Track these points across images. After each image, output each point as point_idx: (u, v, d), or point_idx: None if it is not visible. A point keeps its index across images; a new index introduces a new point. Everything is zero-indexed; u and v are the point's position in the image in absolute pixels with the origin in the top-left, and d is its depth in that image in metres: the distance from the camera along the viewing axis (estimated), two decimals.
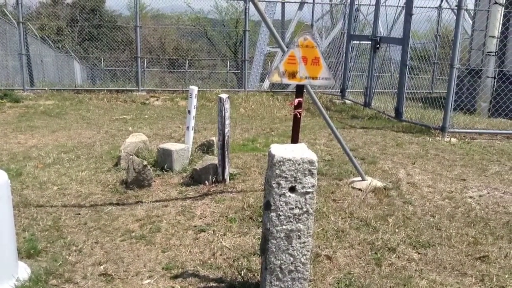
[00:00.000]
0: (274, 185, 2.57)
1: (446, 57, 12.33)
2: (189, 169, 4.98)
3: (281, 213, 2.61)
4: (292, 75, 3.17)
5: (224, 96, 4.38)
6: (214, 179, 4.66)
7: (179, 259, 3.34)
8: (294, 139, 3.46)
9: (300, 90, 3.35)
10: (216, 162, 4.70)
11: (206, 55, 28.90)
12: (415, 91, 11.22)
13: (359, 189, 4.59)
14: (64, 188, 4.63)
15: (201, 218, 4.01)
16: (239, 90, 13.26)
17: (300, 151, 2.63)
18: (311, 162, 2.58)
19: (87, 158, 5.64)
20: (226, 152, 4.56)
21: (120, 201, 4.38)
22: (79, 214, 4.08)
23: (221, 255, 3.41)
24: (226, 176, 4.66)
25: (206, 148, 5.45)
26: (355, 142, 6.48)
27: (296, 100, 3.24)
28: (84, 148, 6.20)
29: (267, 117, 9.05)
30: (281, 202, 2.60)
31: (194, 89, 4.93)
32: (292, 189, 2.60)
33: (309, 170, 2.59)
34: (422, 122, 7.83)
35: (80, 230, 3.78)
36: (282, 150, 2.61)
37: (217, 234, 3.72)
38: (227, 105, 4.41)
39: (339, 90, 11.32)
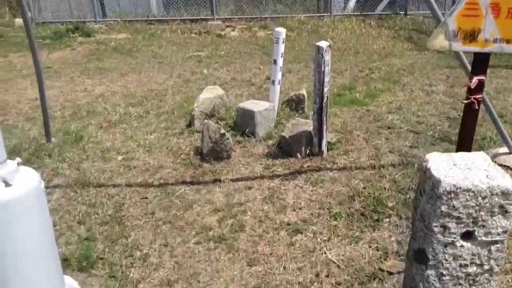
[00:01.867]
0: (436, 229, 1.53)
1: None
2: (275, 135, 4.01)
3: (445, 272, 1.59)
4: (471, 35, 1.92)
5: (323, 44, 3.24)
6: (308, 151, 3.67)
7: (271, 281, 2.48)
8: (466, 144, 2.20)
9: (482, 61, 2.02)
10: (310, 128, 3.67)
11: None
12: None
13: (507, 167, 3.38)
14: (130, 158, 3.89)
15: (295, 210, 3.09)
16: (323, 14, 11.71)
17: (481, 171, 1.53)
18: (505, 194, 1.48)
19: (157, 114, 4.85)
20: (324, 118, 3.50)
21: (195, 178, 3.56)
22: (146, 198, 3.32)
23: (328, 276, 2.50)
24: (323, 148, 3.64)
25: (294, 104, 4.41)
26: None
27: (475, 79, 2.00)
28: (154, 98, 5.42)
29: (362, 50, 7.66)
30: (447, 255, 1.56)
31: (281, 32, 3.80)
32: (468, 236, 1.55)
33: (501, 207, 1.50)
34: None
35: (146, 224, 3.03)
36: (450, 170, 1.53)
37: (319, 239, 2.80)
38: (327, 57, 3.28)
39: None
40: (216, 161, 3.74)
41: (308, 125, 3.76)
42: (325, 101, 3.43)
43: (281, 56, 3.92)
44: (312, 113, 3.52)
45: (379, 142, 3.92)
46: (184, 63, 7.30)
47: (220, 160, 3.74)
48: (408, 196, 3.11)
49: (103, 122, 4.64)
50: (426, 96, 4.96)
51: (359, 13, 11.63)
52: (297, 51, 7.85)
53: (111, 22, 11.50)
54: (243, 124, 4.04)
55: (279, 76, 4.01)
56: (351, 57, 7.13)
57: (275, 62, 3.94)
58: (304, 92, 4.40)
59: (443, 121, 4.30)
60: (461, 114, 4.38)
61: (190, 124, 4.43)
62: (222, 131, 3.63)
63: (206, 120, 3.78)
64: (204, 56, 7.78)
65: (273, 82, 4.03)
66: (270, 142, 3.97)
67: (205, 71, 6.65)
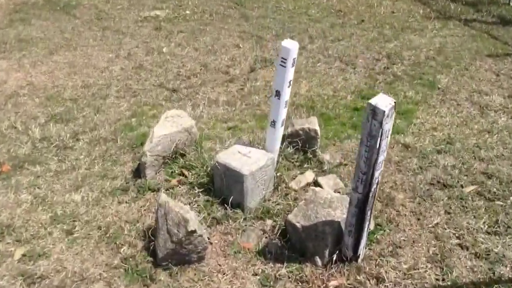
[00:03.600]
0: None
1: None
2: (276, 207, 2.52)
3: None
4: None
5: (385, 106, 1.68)
6: (334, 254, 2.22)
7: None
8: None
9: None
10: (336, 212, 2.22)
11: None
12: None
13: None
14: (36, 255, 2.34)
15: None
16: None
17: None
18: None
19: (90, 142, 3.23)
20: (369, 212, 2.03)
21: None
22: None
23: None
24: (361, 251, 2.19)
25: (301, 143, 2.87)
26: None
27: None
28: (89, 105, 3.74)
29: (367, 16, 5.97)
30: None
31: (291, 49, 2.18)
32: None
33: None
34: None
35: None
36: None
37: None
38: (388, 125, 1.74)
39: None
40: (180, 266, 2.26)
41: (333, 206, 2.28)
42: (373, 189, 1.94)
43: (289, 86, 2.33)
44: (351, 206, 2.03)
45: (438, 220, 2.51)
46: (137, 30, 5.49)
47: (186, 265, 2.26)
48: None
49: (4, 163, 3.00)
50: (481, 117, 3.50)
51: None
52: (283, 15, 6.10)
53: None
54: (225, 188, 2.51)
55: (283, 114, 2.43)
56: (356, 29, 5.48)
57: (277, 94, 2.35)
58: (316, 126, 2.84)
59: None
60: None
61: (138, 172, 2.86)
62: (191, 227, 2.11)
63: (163, 197, 2.23)
64: (164, 17, 5.94)
65: (273, 123, 2.46)
66: (269, 223, 2.47)
67: (164, 49, 4.90)
